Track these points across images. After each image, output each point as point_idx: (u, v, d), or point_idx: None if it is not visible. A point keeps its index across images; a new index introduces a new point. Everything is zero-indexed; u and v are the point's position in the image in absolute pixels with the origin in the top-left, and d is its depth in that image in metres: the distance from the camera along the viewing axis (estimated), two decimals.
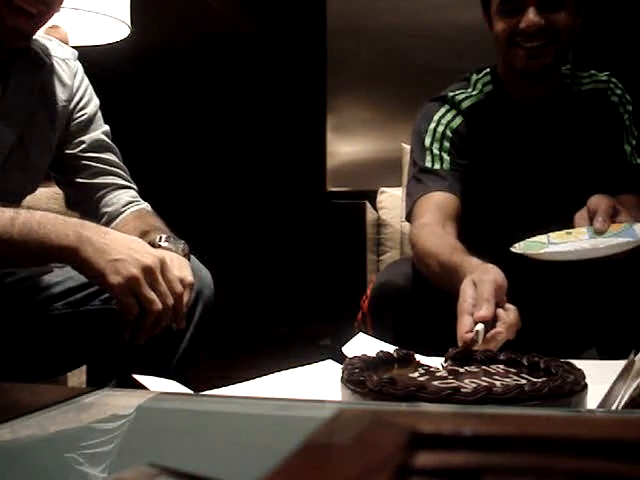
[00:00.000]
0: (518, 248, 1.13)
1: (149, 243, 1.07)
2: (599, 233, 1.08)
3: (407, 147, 1.96)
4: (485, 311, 0.91)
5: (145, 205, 1.25)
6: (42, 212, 0.96)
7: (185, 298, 1.02)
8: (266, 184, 4.33)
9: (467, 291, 0.96)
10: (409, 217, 1.37)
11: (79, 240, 0.94)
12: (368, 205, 1.90)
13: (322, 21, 3.02)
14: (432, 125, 1.37)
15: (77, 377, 1.47)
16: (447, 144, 1.36)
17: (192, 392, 0.85)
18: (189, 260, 1.10)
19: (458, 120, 1.37)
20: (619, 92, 1.39)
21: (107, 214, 1.20)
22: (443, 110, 1.38)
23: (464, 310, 0.94)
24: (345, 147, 3.11)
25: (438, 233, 1.22)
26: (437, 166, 1.34)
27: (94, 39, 2.04)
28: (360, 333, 1.09)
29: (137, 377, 0.85)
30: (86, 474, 0.52)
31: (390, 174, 2.28)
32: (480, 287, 0.95)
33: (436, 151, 1.35)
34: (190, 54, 3.99)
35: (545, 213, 1.36)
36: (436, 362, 0.88)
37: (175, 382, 0.88)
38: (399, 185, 1.97)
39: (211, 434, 0.61)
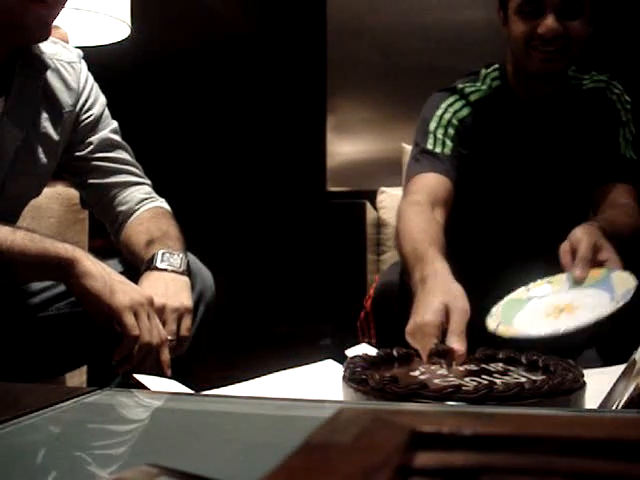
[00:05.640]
0: (495, 318, 1.03)
1: (146, 261, 1.08)
2: (578, 282, 1.05)
3: (407, 147, 1.97)
4: (457, 345, 0.89)
5: (160, 202, 1.23)
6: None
7: (186, 324, 1.03)
8: (266, 184, 4.33)
9: (438, 316, 0.93)
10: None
11: (81, 253, 0.97)
12: (368, 205, 1.91)
13: (322, 21, 3.02)
14: (439, 112, 1.39)
15: (77, 377, 1.47)
16: (452, 131, 1.38)
17: (192, 392, 0.85)
18: (189, 275, 1.09)
19: (465, 111, 1.39)
20: (617, 91, 1.43)
21: (121, 213, 1.19)
22: (451, 99, 1.40)
23: (431, 333, 0.91)
24: (345, 147, 3.11)
25: (426, 217, 1.22)
26: (438, 149, 1.36)
27: (94, 39, 2.03)
28: (363, 344, 1.08)
29: (137, 377, 0.86)
30: (86, 474, 0.52)
31: (390, 174, 2.28)
32: (453, 316, 0.92)
33: (439, 136, 1.37)
34: (190, 54, 3.99)
35: (542, 207, 1.39)
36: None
37: (175, 382, 0.88)
38: (399, 185, 1.97)
39: (211, 434, 0.61)
